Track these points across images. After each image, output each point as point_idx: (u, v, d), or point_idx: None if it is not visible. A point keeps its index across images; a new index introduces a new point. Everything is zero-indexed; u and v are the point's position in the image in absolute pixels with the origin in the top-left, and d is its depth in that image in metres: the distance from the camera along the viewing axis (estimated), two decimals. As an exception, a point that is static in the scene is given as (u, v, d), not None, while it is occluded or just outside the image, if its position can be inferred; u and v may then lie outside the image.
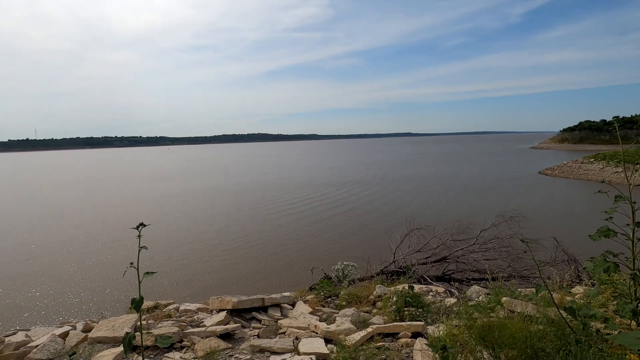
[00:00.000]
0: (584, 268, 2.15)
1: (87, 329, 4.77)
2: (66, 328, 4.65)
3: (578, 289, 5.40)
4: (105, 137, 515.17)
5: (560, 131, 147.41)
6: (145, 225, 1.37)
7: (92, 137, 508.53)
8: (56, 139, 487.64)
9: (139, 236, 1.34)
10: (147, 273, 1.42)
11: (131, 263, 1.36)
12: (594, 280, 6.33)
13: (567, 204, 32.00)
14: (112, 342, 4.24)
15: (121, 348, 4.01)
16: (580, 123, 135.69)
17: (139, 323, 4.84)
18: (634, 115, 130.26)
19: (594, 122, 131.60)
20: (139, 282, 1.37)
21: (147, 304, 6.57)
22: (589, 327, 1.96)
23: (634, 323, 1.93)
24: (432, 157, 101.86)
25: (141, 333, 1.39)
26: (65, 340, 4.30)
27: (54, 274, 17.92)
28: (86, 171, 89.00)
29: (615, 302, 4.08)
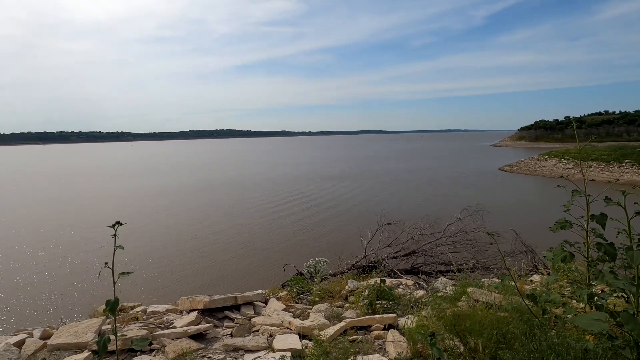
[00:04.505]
0: (544, 257, 2.31)
1: (45, 336, 4.48)
2: (22, 336, 4.34)
3: (535, 278, 5.79)
4: (60, 132, 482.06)
5: (518, 130, 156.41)
6: (121, 224, 1.30)
7: (45, 132, 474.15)
8: (4, 134, 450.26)
9: (115, 235, 1.27)
10: (123, 274, 1.35)
11: (105, 263, 1.29)
12: (549, 268, 6.79)
13: (524, 198, 34.03)
14: (74, 348, 4.01)
15: (85, 354, 3.82)
16: (536, 122, 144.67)
17: (103, 327, 4.62)
18: (582, 115, 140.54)
19: (548, 121, 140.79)
20: (114, 283, 1.30)
21: (111, 307, 6.28)
22: (548, 312, 2.11)
23: (588, 307, 2.11)
24: (402, 154, 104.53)
25: (116, 337, 1.33)
26: (21, 349, 4.02)
27: (3, 279, 16.65)
28: (35, 167, 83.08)
29: (567, 289, 4.41)
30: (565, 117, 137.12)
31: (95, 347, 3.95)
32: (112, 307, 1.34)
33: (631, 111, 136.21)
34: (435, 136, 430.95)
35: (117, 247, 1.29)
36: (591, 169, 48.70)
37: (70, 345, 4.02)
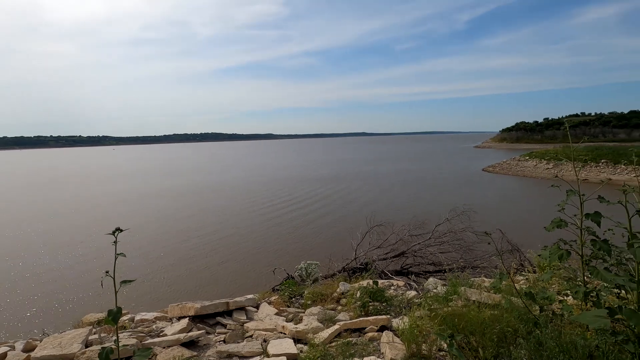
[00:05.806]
0: (538, 255, 2.36)
1: (28, 349, 4.31)
2: (3, 349, 4.16)
3: (524, 275, 5.91)
4: (38, 136, 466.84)
5: (500, 131, 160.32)
6: (121, 230, 1.25)
7: (22, 137, 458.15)
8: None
9: (115, 242, 1.22)
10: (124, 281, 1.30)
11: (106, 271, 1.24)
12: (535, 267, 6.94)
13: (507, 198, 34.79)
14: (60, 360, 3.87)
15: (72, 366, 3.68)
16: (517, 124, 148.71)
17: (90, 337, 4.47)
18: (560, 117, 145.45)
19: (528, 123, 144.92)
20: (115, 292, 1.25)
21: (95, 316, 6.08)
22: (545, 309, 2.16)
23: (583, 304, 2.17)
24: (388, 156, 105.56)
25: (118, 347, 1.28)
26: (2, 362, 3.85)
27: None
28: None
29: (554, 285, 4.51)
30: (544, 119, 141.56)
31: (82, 359, 3.82)
32: (115, 317, 1.29)
33: (606, 113, 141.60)
34: (420, 138, 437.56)
35: (118, 254, 1.24)
36: (569, 168, 50.21)
37: (55, 358, 3.87)
